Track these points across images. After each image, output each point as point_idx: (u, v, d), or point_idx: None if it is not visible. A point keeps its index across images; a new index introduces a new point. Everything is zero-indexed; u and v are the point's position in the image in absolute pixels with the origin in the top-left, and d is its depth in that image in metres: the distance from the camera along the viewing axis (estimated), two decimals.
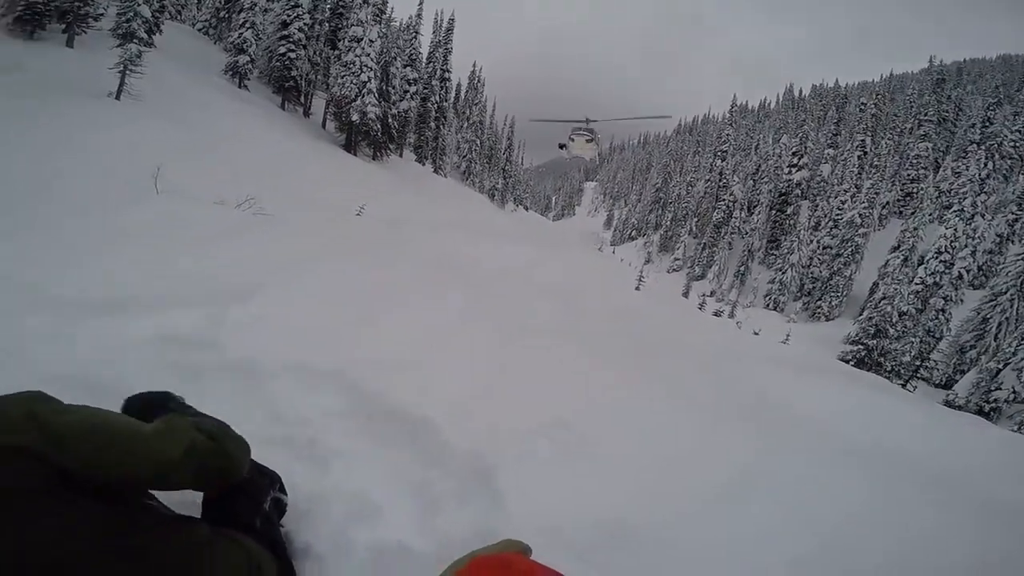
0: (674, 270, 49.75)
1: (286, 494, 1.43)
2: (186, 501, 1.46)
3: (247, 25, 23.30)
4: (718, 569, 1.69)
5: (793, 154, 44.18)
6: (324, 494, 1.63)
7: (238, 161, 11.90)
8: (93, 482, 0.88)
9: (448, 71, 37.74)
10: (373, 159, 28.08)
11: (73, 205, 4.56)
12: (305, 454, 1.85)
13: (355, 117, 25.13)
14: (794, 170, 43.72)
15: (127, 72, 12.87)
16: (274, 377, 2.30)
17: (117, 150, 7.95)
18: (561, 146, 24.52)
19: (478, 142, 45.72)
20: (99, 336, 2.33)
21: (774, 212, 43.93)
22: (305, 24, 25.57)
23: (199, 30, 29.12)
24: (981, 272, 28.97)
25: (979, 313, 24.05)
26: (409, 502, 1.73)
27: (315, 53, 27.26)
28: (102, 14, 15.47)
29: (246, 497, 1.25)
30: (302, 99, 27.90)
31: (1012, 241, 28.65)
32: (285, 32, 25.31)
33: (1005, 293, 23.31)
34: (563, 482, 1.96)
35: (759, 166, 48.88)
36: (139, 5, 14.18)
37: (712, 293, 40.69)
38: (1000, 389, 20.12)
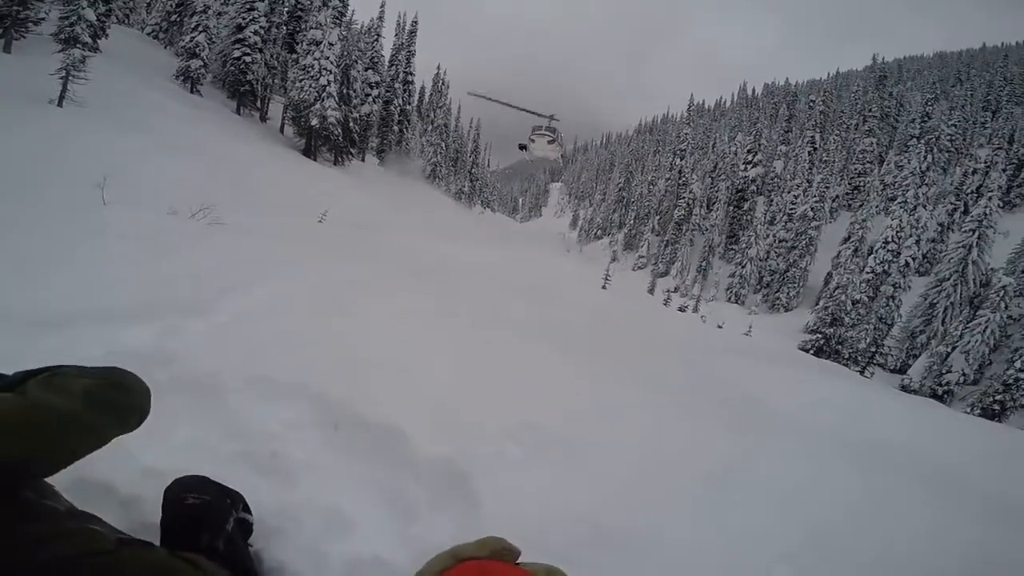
0: (639, 268, 50.57)
1: (251, 513, 1.36)
2: (147, 524, 1.38)
3: (200, 29, 22.53)
4: (705, 568, 1.70)
5: (748, 151, 45.61)
6: (294, 509, 1.57)
7: (190, 168, 11.47)
8: (17, 477, 0.80)
9: (411, 74, 37.36)
10: (335, 164, 27.55)
11: (14, 218, 4.29)
12: (271, 469, 1.78)
13: (315, 122, 24.61)
14: (749, 167, 45.15)
15: (70, 78, 12.24)
16: (235, 391, 2.21)
17: (59, 159, 7.55)
18: (521, 147, 22.66)
19: (443, 145, 45.44)
20: (49, 354, 2.17)
21: (732, 208, 45.22)
22: (261, 27, 24.90)
23: (148, 34, 27.99)
24: (926, 260, 30.55)
25: (926, 299, 25.37)
26: (383, 512, 1.68)
27: (272, 57, 26.58)
28: (43, 18, 14.68)
29: (207, 520, 1.18)
30: (259, 104, 27.16)
31: (952, 230, 30.33)
32: (240, 35, 24.59)
33: (948, 279, 24.67)
34: (542, 484, 1.94)
35: (716, 164, 50.23)
36: (83, 8, 13.51)
37: (676, 289, 41.52)
38: (951, 372, 21.25)
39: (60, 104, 12.04)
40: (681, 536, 1.79)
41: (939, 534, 2.09)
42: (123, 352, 2.35)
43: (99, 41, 15.91)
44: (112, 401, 0.94)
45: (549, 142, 21.89)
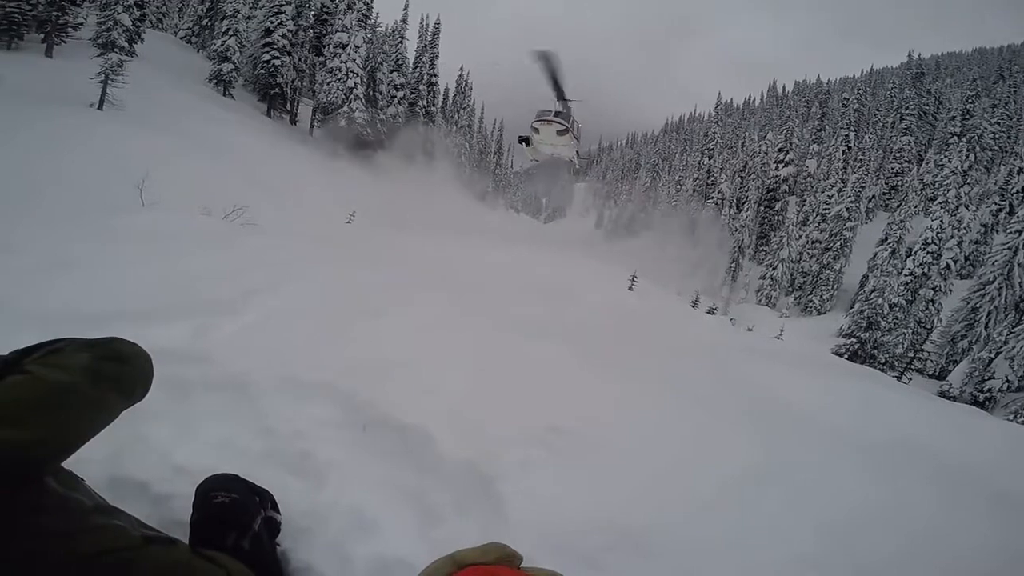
0: None
1: (279, 512, 1.38)
2: (179, 521, 1.40)
3: (230, 33, 23.17)
4: (727, 571, 1.66)
5: (779, 150, 44.62)
6: (321, 510, 1.58)
7: (224, 170, 11.78)
8: (35, 464, 0.80)
9: (435, 75, 37.68)
10: (362, 165, 27.96)
11: (56, 218, 4.46)
12: (300, 469, 1.80)
13: (342, 123, 25.04)
14: (780, 166, 44.14)
15: (108, 82, 12.72)
16: (265, 390, 2.24)
17: (100, 162, 7.83)
18: (522, 140, 15.66)
19: (467, 146, 45.70)
20: None
21: (762, 208, 44.27)
22: (289, 31, 25.47)
23: (181, 38, 28.89)
24: (968, 262, 29.35)
25: (968, 303, 24.37)
26: (408, 514, 1.68)
27: (300, 60, 27.16)
28: (81, 23, 15.30)
29: (234, 519, 1.20)
30: (288, 106, 27.77)
31: (996, 231, 29.05)
32: (269, 39, 25.19)
33: (993, 282, 23.63)
34: (566, 487, 1.92)
35: (746, 163, 49.23)
36: (119, 14, 14.02)
37: (705, 291, 40.82)
38: (994, 378, 20.36)
39: (100, 107, 12.51)
40: (705, 539, 1.77)
41: (958, 535, 2.03)
42: (157, 350, 2.39)
43: (135, 45, 16.46)
44: (114, 374, 0.93)
45: (559, 133, 14.97)
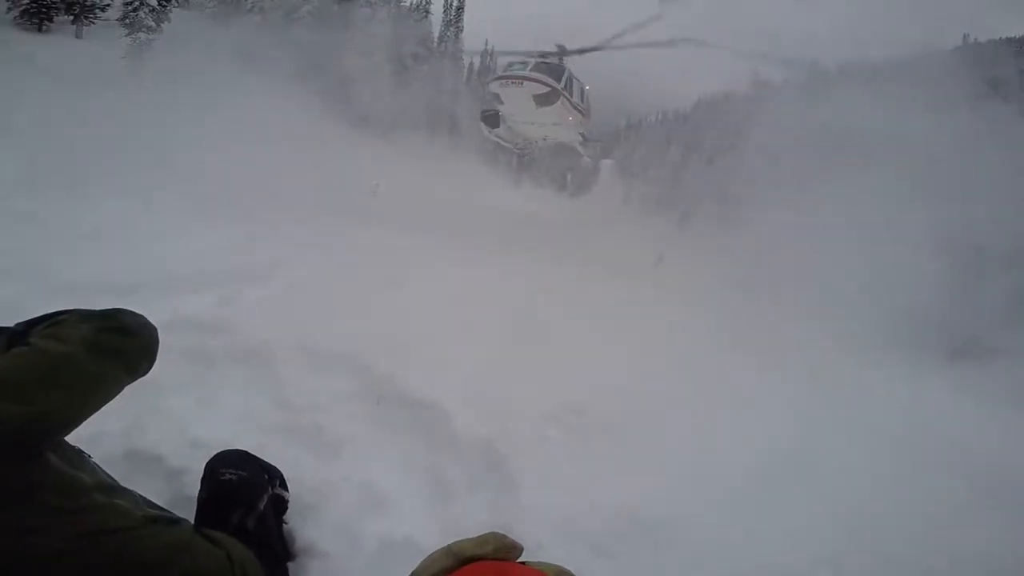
0: None
1: (287, 489, 1.35)
2: (190, 497, 1.39)
3: (255, 10, 23.16)
4: (740, 566, 1.59)
5: None
6: (331, 486, 1.57)
7: (251, 144, 11.86)
8: (35, 439, 0.79)
9: (460, 50, 37.06)
10: (386, 139, 27.89)
11: (93, 192, 4.55)
12: (314, 442, 1.79)
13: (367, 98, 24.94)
14: None
15: (137, 61, 12.89)
16: (285, 361, 2.25)
17: (130, 138, 7.95)
18: (487, 117, 9.69)
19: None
20: None
21: None
22: (314, 7, 25.33)
23: (208, 17, 29.01)
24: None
25: None
26: (419, 492, 1.67)
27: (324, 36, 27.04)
28: (108, 4, 15.45)
29: (240, 497, 1.18)
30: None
31: None
32: (294, 15, 25.11)
33: None
34: (580, 469, 1.88)
35: None
36: None
37: None
38: None
39: (129, 87, 12.69)
40: (721, 534, 1.71)
41: (999, 547, 1.91)
42: (182, 320, 2.41)
43: (162, 25, 16.55)
44: (116, 347, 0.90)
45: (540, 101, 8.53)
